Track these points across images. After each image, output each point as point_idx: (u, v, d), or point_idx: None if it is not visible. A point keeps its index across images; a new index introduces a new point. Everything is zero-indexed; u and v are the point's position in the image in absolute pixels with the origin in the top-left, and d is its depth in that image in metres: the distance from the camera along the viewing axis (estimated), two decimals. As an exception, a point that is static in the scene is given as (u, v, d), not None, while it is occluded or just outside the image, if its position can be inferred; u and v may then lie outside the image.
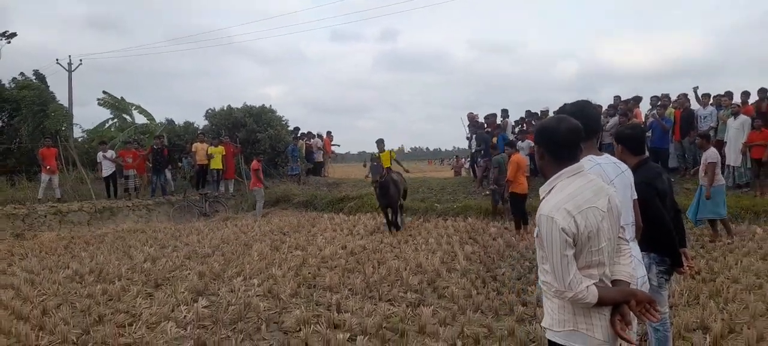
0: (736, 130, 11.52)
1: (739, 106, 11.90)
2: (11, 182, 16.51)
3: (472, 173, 16.70)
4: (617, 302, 2.10)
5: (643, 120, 12.75)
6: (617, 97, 14.27)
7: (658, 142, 12.41)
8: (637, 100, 13.76)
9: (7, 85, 20.73)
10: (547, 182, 2.22)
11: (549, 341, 2.22)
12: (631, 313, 2.12)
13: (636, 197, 2.89)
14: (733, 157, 11.72)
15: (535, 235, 2.24)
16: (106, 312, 5.57)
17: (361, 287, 6.27)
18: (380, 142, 12.14)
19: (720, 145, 12.27)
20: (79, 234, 11.61)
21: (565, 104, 2.91)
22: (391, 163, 12.03)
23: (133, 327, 5.10)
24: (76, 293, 6.49)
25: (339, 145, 23.22)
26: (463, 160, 20.64)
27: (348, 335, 4.65)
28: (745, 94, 12.35)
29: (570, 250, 2.05)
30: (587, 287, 2.05)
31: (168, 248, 9.48)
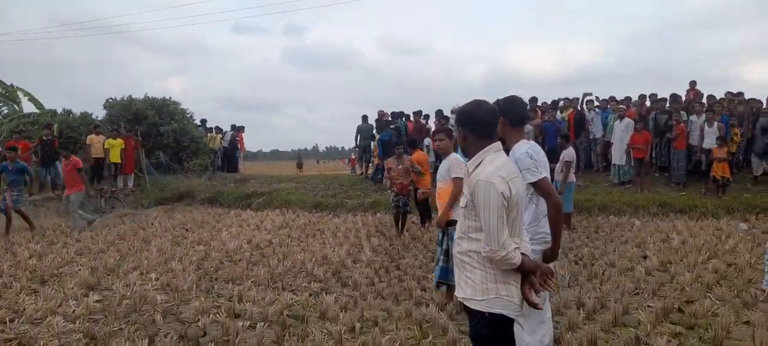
0: (622, 132, 12.67)
1: (624, 109, 13.12)
2: None
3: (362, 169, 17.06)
4: (529, 271, 2.33)
5: (540, 122, 13.61)
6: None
7: (552, 142, 13.34)
8: (534, 100, 14.80)
9: None
10: (474, 157, 2.42)
11: (469, 310, 2.39)
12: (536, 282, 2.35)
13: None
14: (619, 156, 12.87)
15: (461, 205, 2.43)
16: (-19, 310, 5.12)
17: (265, 279, 6.23)
18: None
19: (607, 146, 13.48)
20: (-49, 232, 10.49)
21: (497, 100, 3.17)
22: None
23: (16, 323, 4.74)
24: (-54, 292, 5.91)
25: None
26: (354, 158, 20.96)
27: (248, 322, 4.63)
28: (627, 99, 13.64)
29: (504, 213, 2.25)
30: (515, 249, 2.27)
31: (57, 245, 8.84)
